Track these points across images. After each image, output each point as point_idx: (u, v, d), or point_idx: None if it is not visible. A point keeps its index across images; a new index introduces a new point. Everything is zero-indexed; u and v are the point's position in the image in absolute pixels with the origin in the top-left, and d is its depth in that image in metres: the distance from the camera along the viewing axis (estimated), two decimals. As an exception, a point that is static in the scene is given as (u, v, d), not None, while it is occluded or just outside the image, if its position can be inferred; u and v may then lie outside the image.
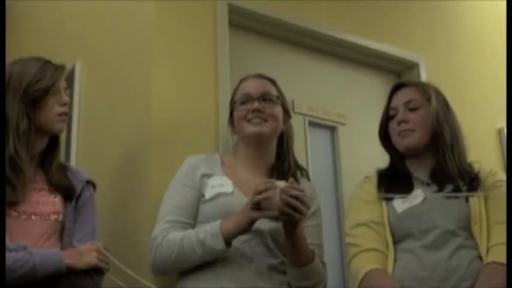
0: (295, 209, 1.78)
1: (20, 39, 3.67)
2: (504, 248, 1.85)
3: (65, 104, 2.03)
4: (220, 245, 1.84)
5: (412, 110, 2.10)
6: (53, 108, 1.99)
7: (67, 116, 2.06)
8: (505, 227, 1.89)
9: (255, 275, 1.91)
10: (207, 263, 1.89)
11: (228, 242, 1.85)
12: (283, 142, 2.20)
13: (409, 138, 2.08)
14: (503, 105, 3.50)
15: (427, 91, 2.15)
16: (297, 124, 2.79)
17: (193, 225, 1.96)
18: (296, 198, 1.78)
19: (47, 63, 2.03)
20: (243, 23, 2.73)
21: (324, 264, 2.07)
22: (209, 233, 1.86)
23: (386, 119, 2.16)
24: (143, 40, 2.49)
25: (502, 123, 3.41)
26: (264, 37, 2.83)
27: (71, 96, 2.82)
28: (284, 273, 1.98)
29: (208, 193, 1.99)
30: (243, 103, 2.12)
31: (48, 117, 1.99)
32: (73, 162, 2.69)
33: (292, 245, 1.91)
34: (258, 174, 2.09)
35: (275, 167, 2.15)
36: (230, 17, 2.63)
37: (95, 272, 1.90)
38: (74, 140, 2.73)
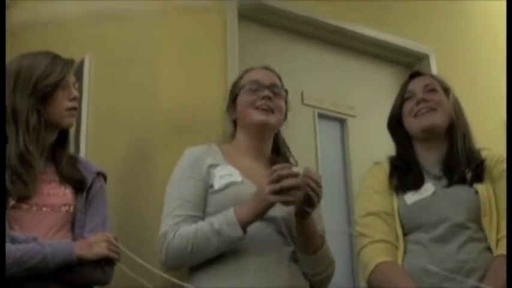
0: (316, 193, 1.79)
1: (29, 34, 3.68)
2: None
3: (74, 99, 2.02)
4: (238, 232, 1.82)
5: (431, 92, 2.10)
6: (62, 102, 1.98)
7: (76, 110, 2.06)
8: None
9: (276, 264, 1.91)
10: (227, 255, 1.88)
11: (244, 229, 1.83)
12: (279, 137, 2.21)
13: (430, 117, 2.06)
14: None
15: (444, 82, 2.17)
16: (306, 116, 2.85)
17: (202, 218, 1.93)
18: (317, 183, 1.78)
19: (56, 57, 2.02)
20: (252, 14, 2.74)
21: (328, 248, 2.06)
22: (224, 222, 1.84)
23: (401, 102, 2.15)
24: (151, 32, 2.50)
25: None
26: (274, 29, 2.85)
27: (79, 89, 2.81)
28: (296, 261, 1.98)
29: (217, 183, 1.97)
30: (252, 90, 2.09)
31: (58, 112, 1.98)
32: (82, 154, 2.68)
33: (305, 231, 1.92)
34: (259, 164, 2.09)
35: (273, 159, 2.14)
36: (239, 8, 2.64)
37: (106, 262, 1.90)
38: (83, 132, 2.73)
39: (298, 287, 1.96)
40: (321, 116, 2.88)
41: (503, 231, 1.89)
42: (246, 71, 2.20)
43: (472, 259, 1.88)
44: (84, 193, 2.02)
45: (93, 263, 1.87)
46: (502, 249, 1.86)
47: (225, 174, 1.98)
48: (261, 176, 1.95)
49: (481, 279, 1.84)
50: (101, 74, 2.79)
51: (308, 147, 2.74)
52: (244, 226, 1.83)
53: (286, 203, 1.80)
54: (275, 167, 1.80)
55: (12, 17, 3.64)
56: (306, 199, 1.81)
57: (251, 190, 1.89)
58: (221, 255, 1.87)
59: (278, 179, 1.76)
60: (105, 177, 2.13)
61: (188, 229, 1.88)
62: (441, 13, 3.41)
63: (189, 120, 2.35)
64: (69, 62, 2.04)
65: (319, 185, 1.81)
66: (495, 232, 1.92)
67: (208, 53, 2.51)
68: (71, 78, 2.03)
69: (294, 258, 1.98)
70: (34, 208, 1.90)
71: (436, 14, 3.38)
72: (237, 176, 1.98)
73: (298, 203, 1.81)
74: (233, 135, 2.18)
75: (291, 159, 2.19)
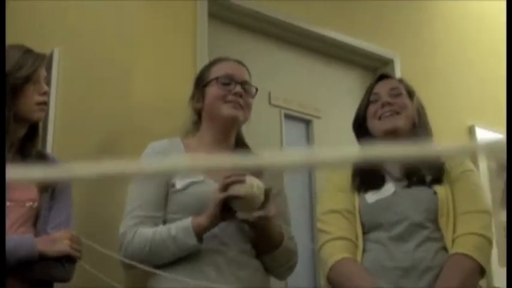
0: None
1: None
2: (468, 239, 1.90)
3: (44, 93, 2.02)
4: (192, 240, 1.84)
5: (396, 96, 2.11)
6: (32, 97, 1.98)
7: (46, 105, 2.07)
8: (471, 217, 1.95)
9: (237, 262, 1.92)
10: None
11: (200, 238, 1.85)
12: (239, 131, 2.18)
13: (393, 120, 2.08)
14: (474, 103, 3.56)
15: (409, 86, 2.18)
16: (273, 116, 2.86)
17: (162, 218, 1.95)
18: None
19: (28, 51, 2.02)
20: (222, 14, 2.75)
21: (292, 238, 2.08)
22: (181, 229, 1.85)
23: (367, 103, 2.15)
24: (124, 29, 2.53)
25: (473, 121, 3.47)
26: (243, 29, 2.86)
27: (48, 81, 2.82)
28: (256, 257, 2.00)
29: (179, 183, 1.95)
30: (225, 84, 2.07)
31: (28, 106, 1.98)
32: (49, 147, 2.67)
33: (262, 233, 1.94)
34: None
35: (236, 153, 2.13)
36: (210, 8, 2.65)
37: (67, 259, 1.90)
38: (50, 125, 2.71)
39: (259, 283, 1.98)
40: (288, 117, 2.90)
41: (459, 231, 1.93)
42: (217, 61, 2.17)
43: (428, 258, 1.90)
44: (49, 189, 2.02)
45: (54, 259, 1.87)
46: (456, 248, 1.89)
47: (186, 173, 1.96)
48: (221, 172, 1.95)
49: (436, 277, 1.87)
50: (71, 67, 2.77)
51: (274, 146, 2.76)
52: (199, 235, 1.84)
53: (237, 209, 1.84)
54: (224, 178, 1.82)
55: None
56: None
57: (212, 188, 1.89)
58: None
59: (226, 187, 1.80)
60: None
61: (147, 232, 1.89)
62: (406, 20, 3.45)
63: (159, 115, 2.36)
64: (40, 56, 2.04)
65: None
66: (451, 232, 1.94)
67: (178, 50, 2.53)
68: (42, 73, 2.03)
69: (254, 255, 1.99)
70: None
71: (401, 21, 3.42)
72: (198, 175, 1.97)
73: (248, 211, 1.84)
74: (197, 127, 2.15)
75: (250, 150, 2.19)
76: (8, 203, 1.91)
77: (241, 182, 1.80)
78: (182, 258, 1.88)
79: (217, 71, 2.10)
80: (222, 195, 1.80)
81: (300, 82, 2.99)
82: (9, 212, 1.91)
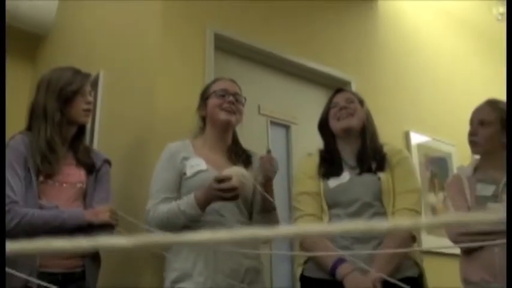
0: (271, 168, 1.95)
1: (60, 52, 3.68)
2: (405, 212, 1.91)
3: (89, 103, 2.07)
4: (196, 211, 1.86)
5: (350, 102, 2.11)
6: (80, 105, 2.03)
7: (90, 112, 2.10)
8: (406, 195, 1.96)
9: (230, 225, 1.94)
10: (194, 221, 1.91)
11: (201, 208, 1.87)
12: (235, 133, 2.19)
13: (348, 121, 2.07)
14: (410, 112, 3.62)
15: (360, 97, 2.19)
16: (261, 123, 2.84)
17: (176, 198, 1.96)
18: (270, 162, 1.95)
19: (77, 72, 2.08)
20: (225, 47, 2.74)
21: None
22: (187, 203, 1.88)
23: (328, 109, 2.15)
24: (149, 57, 2.50)
25: (408, 127, 3.51)
26: (240, 58, 2.85)
27: (95, 97, 2.84)
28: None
29: (189, 172, 1.99)
30: (221, 95, 2.09)
31: (77, 112, 2.03)
32: (95, 145, 2.71)
33: (267, 191, 1.98)
34: (220, 154, 2.10)
35: (232, 149, 2.15)
36: (215, 42, 2.66)
37: (108, 227, 1.95)
38: (96, 129, 2.74)
39: (252, 248, 1.97)
40: (272, 123, 2.91)
41: (396, 207, 1.94)
42: (215, 80, 2.21)
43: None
44: (94, 174, 2.07)
45: (98, 226, 1.91)
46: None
47: (194, 165, 2.00)
48: (221, 163, 2.04)
49: (379, 244, 1.89)
50: (111, 85, 2.79)
51: (262, 146, 2.78)
52: (201, 206, 1.86)
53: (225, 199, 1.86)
54: (218, 175, 1.86)
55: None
56: (266, 172, 1.93)
57: (213, 175, 1.91)
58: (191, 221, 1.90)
59: (219, 181, 1.82)
60: (110, 164, 2.17)
61: (164, 208, 1.91)
62: (360, 50, 3.43)
63: (175, 123, 2.35)
64: (86, 75, 2.10)
65: (272, 163, 1.94)
66: (392, 208, 1.95)
67: (190, 74, 2.50)
68: (87, 87, 2.08)
69: (246, 224, 2.01)
70: (57, 184, 1.95)
71: (357, 51, 3.40)
72: (203, 166, 2.00)
73: (235, 199, 1.88)
74: (202, 130, 2.16)
75: (242, 147, 2.19)
76: (64, 185, 1.97)
77: (229, 179, 1.83)
78: (189, 228, 1.89)
79: (215, 87, 2.14)
80: (213, 185, 1.83)
81: (281, 97, 2.99)
82: (65, 191, 1.96)
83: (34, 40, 3.93)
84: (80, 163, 2.05)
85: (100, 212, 1.94)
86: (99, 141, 2.73)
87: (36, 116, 1.99)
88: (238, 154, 2.14)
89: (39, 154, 1.91)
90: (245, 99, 2.18)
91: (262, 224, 2.04)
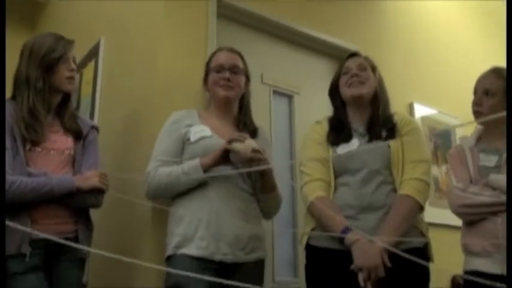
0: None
1: (61, 19, 3.64)
2: (411, 183, 1.89)
3: (72, 70, 2.03)
4: (199, 173, 1.89)
5: (363, 70, 2.07)
6: (63, 73, 2.00)
7: (74, 79, 2.07)
8: (415, 165, 1.93)
9: (233, 194, 1.97)
10: (197, 188, 1.93)
11: (205, 172, 1.89)
12: (244, 100, 2.20)
13: (359, 88, 2.04)
14: (414, 83, 3.60)
15: (372, 62, 2.14)
16: (264, 92, 2.83)
17: (177, 163, 1.98)
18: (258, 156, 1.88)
19: (60, 38, 2.03)
20: (227, 14, 2.71)
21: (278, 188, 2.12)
22: (191, 166, 1.90)
23: (339, 76, 2.12)
24: (152, 24, 2.48)
25: (412, 99, 3.49)
26: (243, 26, 2.82)
27: (96, 64, 2.83)
28: (253, 195, 2.03)
29: (192, 137, 2.00)
30: (217, 71, 2.11)
31: (59, 80, 2.00)
32: (97, 112, 2.70)
33: (264, 176, 2.01)
34: (226, 124, 2.12)
35: (240, 118, 2.16)
36: (218, 9, 2.62)
37: (98, 191, 1.97)
38: (97, 95, 2.75)
39: (252, 212, 2.01)
40: (275, 93, 2.89)
41: (405, 176, 1.92)
42: (214, 54, 2.20)
43: (381, 198, 1.90)
44: (81, 141, 2.07)
45: (88, 192, 1.93)
46: (402, 190, 1.89)
47: (199, 131, 2.01)
48: (226, 132, 2.04)
49: (386, 213, 1.87)
50: (112, 52, 2.77)
51: (265, 115, 2.79)
52: (205, 169, 1.89)
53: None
54: (232, 133, 1.91)
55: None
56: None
57: (218, 142, 1.94)
58: (194, 188, 1.93)
59: (230, 142, 1.87)
60: (97, 130, 2.17)
61: (165, 170, 1.94)
62: (366, 18, 3.41)
63: (176, 89, 2.33)
64: (69, 42, 2.05)
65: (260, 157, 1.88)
66: (400, 177, 1.92)
67: (193, 41, 2.47)
68: (71, 54, 2.04)
69: (249, 192, 2.02)
70: (44, 151, 1.95)
71: (363, 19, 3.38)
72: (207, 132, 2.01)
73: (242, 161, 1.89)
74: (209, 103, 2.21)
75: (251, 118, 2.20)
76: (51, 152, 1.96)
77: (241, 141, 1.87)
78: (194, 189, 1.93)
79: (213, 62, 2.15)
80: (225, 145, 1.87)
81: (285, 66, 2.97)
82: (53, 158, 1.96)
83: (34, 7, 3.89)
84: (67, 130, 2.05)
85: (89, 177, 1.95)
86: (101, 109, 2.74)
87: (19, 83, 1.97)
88: (246, 124, 2.15)
89: (23, 122, 1.90)
90: (247, 70, 2.18)
91: (262, 204, 2.07)
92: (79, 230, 1.97)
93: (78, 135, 2.06)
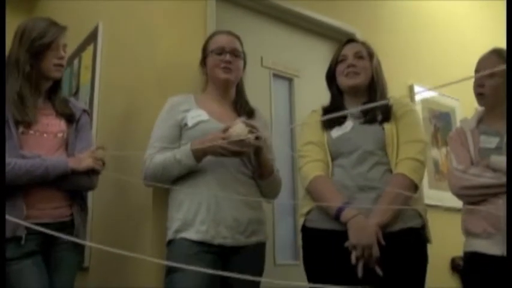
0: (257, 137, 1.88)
1: (59, 4, 3.59)
2: (406, 162, 1.89)
3: (61, 58, 2.00)
4: (191, 161, 1.88)
5: (359, 58, 2.06)
6: (51, 60, 1.97)
7: (63, 67, 2.04)
8: (410, 145, 1.93)
9: (233, 179, 1.96)
10: (197, 173, 1.93)
11: (197, 158, 1.88)
12: (241, 84, 2.19)
13: (355, 79, 2.04)
14: (414, 66, 3.57)
15: (370, 48, 2.12)
16: (264, 75, 2.81)
17: (175, 149, 1.96)
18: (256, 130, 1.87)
19: (52, 23, 2.00)
20: None
21: (278, 170, 2.13)
22: (183, 153, 1.89)
23: (336, 63, 2.11)
24: (151, 6, 2.44)
25: (412, 81, 3.48)
26: (243, 8, 2.78)
27: (95, 49, 2.81)
28: (253, 179, 2.03)
29: (190, 122, 1.99)
30: (218, 54, 2.09)
31: (47, 67, 1.97)
32: (96, 97, 2.69)
33: (259, 161, 2.00)
34: (223, 107, 2.11)
35: (237, 101, 2.15)
36: None
37: (92, 172, 1.97)
38: (96, 82, 2.72)
39: (252, 196, 1.99)
40: (275, 76, 2.87)
41: (400, 156, 1.91)
42: (212, 36, 2.17)
43: (377, 178, 1.90)
44: (74, 124, 2.06)
45: (82, 173, 1.93)
46: (398, 169, 1.89)
47: (195, 115, 2.00)
48: (224, 115, 2.04)
49: (381, 192, 1.86)
50: (111, 37, 2.74)
51: (265, 98, 2.78)
52: (197, 156, 1.88)
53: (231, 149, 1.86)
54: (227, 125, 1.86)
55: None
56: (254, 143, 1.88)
57: (215, 126, 1.93)
58: (192, 172, 1.92)
59: (226, 130, 1.84)
60: (88, 114, 2.16)
61: (160, 157, 1.93)
62: (366, 1, 3.38)
63: (176, 73, 2.31)
64: (61, 28, 2.01)
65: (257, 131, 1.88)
66: (395, 157, 1.92)
67: (192, 24, 2.44)
68: (62, 41, 2.00)
69: (250, 176, 2.02)
70: (37, 134, 1.94)
71: (362, 2, 3.35)
72: (204, 116, 2.00)
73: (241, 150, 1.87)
74: (206, 86, 2.17)
75: (246, 99, 2.19)
76: (44, 135, 1.96)
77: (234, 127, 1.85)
78: (194, 174, 1.92)
79: (213, 44, 2.12)
80: (221, 135, 1.84)
81: (284, 49, 2.94)
82: (46, 141, 1.96)
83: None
84: (60, 114, 2.04)
85: (83, 159, 1.94)
86: (100, 93, 2.72)
87: (10, 66, 1.95)
88: (243, 106, 2.14)
89: (13, 105, 1.89)
90: (244, 53, 2.16)
91: (262, 189, 2.07)
92: (74, 213, 1.97)
93: (70, 118, 2.05)
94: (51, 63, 1.97)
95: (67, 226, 1.94)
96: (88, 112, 2.16)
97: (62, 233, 1.79)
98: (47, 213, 1.89)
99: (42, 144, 1.93)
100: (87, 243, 2.04)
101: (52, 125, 1.99)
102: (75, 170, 1.90)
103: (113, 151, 2.24)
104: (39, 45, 1.93)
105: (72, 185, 1.94)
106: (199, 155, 1.89)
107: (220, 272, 1.74)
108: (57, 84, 2.06)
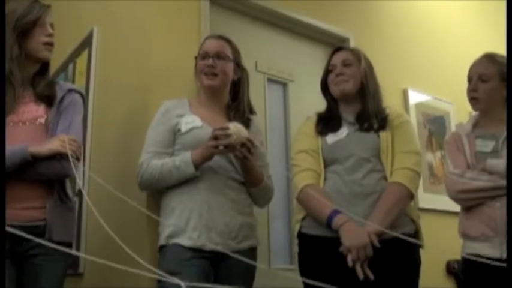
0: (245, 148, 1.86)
1: (52, 6, 3.57)
2: (403, 172, 1.89)
3: (49, 35, 1.87)
4: (191, 169, 1.87)
5: (347, 66, 2.07)
6: (39, 38, 1.84)
7: (52, 46, 1.89)
8: (406, 156, 1.94)
9: (225, 186, 1.95)
10: (188, 180, 1.91)
11: (196, 167, 1.88)
12: (240, 87, 2.15)
13: (344, 86, 2.04)
14: (408, 70, 3.57)
15: (358, 54, 2.11)
16: (259, 80, 2.79)
17: (169, 154, 1.96)
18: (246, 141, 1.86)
19: (35, 2, 1.88)
20: (221, 1, 2.66)
21: (269, 177, 2.12)
22: (183, 161, 1.88)
23: (327, 72, 2.13)
24: (144, 11, 2.43)
25: (407, 85, 3.46)
26: (237, 13, 2.75)
27: (89, 54, 2.78)
28: (243, 184, 2.01)
29: (183, 128, 1.97)
30: (202, 59, 2.07)
31: (36, 46, 1.84)
32: (91, 101, 2.65)
33: (247, 171, 1.98)
34: (217, 112, 2.08)
35: (231, 106, 2.12)
36: None
37: (62, 157, 1.70)
38: (91, 86, 2.70)
39: (243, 202, 1.99)
40: (269, 80, 2.85)
41: (396, 166, 1.92)
42: (204, 41, 2.16)
43: (372, 184, 1.90)
44: (55, 107, 1.86)
45: (48, 159, 1.69)
46: (393, 178, 1.89)
47: (190, 121, 1.98)
48: (216, 120, 2.01)
49: (377, 199, 1.86)
50: (106, 41, 2.72)
51: (259, 103, 2.76)
52: (196, 165, 1.87)
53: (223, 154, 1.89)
54: (215, 129, 1.85)
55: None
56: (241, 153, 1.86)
57: (208, 132, 1.90)
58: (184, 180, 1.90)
59: (216, 137, 1.83)
60: (80, 94, 1.97)
61: (157, 163, 1.91)
62: (359, 6, 3.36)
63: (169, 77, 2.29)
64: (45, 6, 1.89)
65: (248, 142, 1.85)
66: (390, 166, 1.92)
67: (186, 28, 2.42)
68: (48, 19, 1.88)
69: (241, 182, 2.00)
70: (10, 124, 1.77)
71: (355, 7, 3.33)
72: (198, 122, 1.98)
73: (230, 152, 1.87)
74: (199, 90, 2.16)
75: (246, 104, 2.16)
76: (20, 124, 1.79)
77: (227, 136, 1.82)
78: (185, 181, 1.91)
79: (200, 50, 2.11)
80: (210, 144, 1.84)
81: (279, 54, 2.92)
82: (22, 132, 1.78)
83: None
84: (39, 98, 1.86)
85: (48, 142, 1.72)
86: (95, 96, 2.68)
87: None
88: (239, 110, 2.11)
89: None
90: (230, 56, 2.11)
91: (255, 196, 2.06)
92: (47, 217, 1.73)
93: (50, 100, 1.86)
94: (39, 41, 1.84)
95: (41, 232, 1.71)
96: (79, 92, 1.96)
97: (37, 235, 1.55)
98: (18, 214, 1.69)
99: (17, 135, 1.75)
100: (68, 250, 1.70)
101: (28, 112, 1.82)
102: (37, 155, 1.67)
103: (112, 161, 2.17)
104: (25, 23, 1.82)
105: (36, 175, 1.70)
106: (199, 162, 1.88)
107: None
108: (44, 67, 1.92)
